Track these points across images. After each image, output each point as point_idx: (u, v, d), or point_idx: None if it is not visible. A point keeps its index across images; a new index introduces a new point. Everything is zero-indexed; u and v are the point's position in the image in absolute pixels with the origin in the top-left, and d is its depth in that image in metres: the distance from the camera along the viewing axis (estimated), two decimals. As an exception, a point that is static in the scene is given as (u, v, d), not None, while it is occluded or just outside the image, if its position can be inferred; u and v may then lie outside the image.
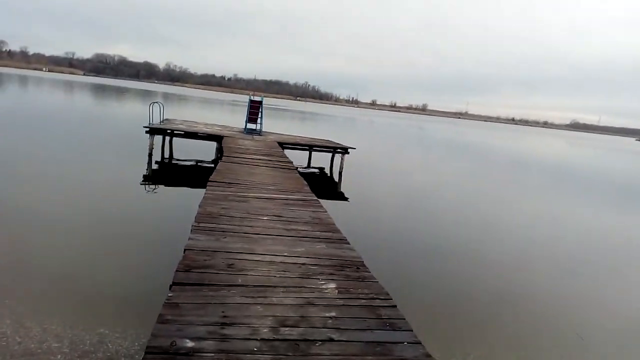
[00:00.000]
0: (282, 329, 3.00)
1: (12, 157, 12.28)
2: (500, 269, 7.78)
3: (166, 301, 3.23)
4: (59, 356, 3.90)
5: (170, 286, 3.48)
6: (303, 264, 4.18)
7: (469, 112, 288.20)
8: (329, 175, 15.19)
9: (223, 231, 4.79)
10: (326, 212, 6.14)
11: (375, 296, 3.63)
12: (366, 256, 4.74)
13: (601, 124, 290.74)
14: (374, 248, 7.48)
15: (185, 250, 4.17)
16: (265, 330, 2.96)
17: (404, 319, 3.30)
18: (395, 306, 3.48)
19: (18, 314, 4.45)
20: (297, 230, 5.11)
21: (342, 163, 14.75)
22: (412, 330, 3.16)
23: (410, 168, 21.39)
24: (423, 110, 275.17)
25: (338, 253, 4.57)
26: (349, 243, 4.94)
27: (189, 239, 4.46)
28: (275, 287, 3.62)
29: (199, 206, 5.57)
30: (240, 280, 3.67)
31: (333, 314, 3.27)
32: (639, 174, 35.05)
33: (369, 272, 4.18)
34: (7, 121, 19.69)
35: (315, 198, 6.93)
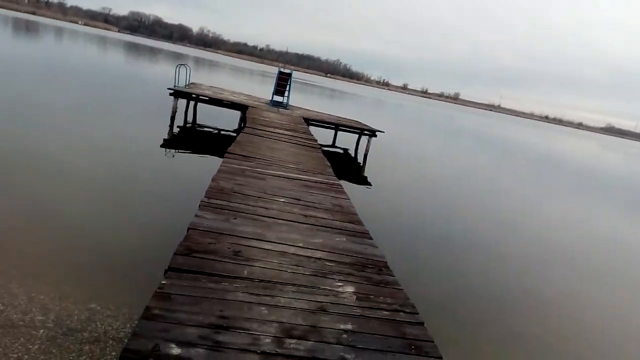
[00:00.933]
0: (288, 340, 2.52)
1: (36, 106, 12.21)
2: (526, 273, 7.17)
3: (157, 290, 2.78)
4: (42, 331, 3.52)
5: (165, 271, 3.04)
6: (319, 258, 3.68)
7: (502, 106, 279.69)
8: (353, 156, 14.61)
9: (234, 211, 4.32)
10: (348, 199, 5.61)
11: (399, 308, 3.12)
12: (389, 255, 4.23)
13: (638, 131, 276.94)
14: (397, 245, 6.95)
15: (188, 229, 3.71)
16: (268, 340, 2.49)
17: (432, 341, 2.79)
18: (422, 323, 2.97)
19: (8, 277, 4.10)
20: (315, 218, 4.61)
21: (368, 146, 14.12)
22: (441, 358, 2.65)
23: (438, 158, 20.58)
24: (455, 99, 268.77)
25: (359, 249, 4.06)
26: (371, 238, 4.42)
27: (195, 215, 4.01)
28: (284, 284, 3.14)
29: (212, 180, 5.10)
30: (245, 273, 3.20)
31: (349, 326, 2.78)
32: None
33: (393, 275, 3.66)
34: (37, 72, 19.58)
35: (338, 182, 6.41)
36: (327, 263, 3.63)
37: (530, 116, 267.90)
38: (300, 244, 3.88)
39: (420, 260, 6.73)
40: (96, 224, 5.63)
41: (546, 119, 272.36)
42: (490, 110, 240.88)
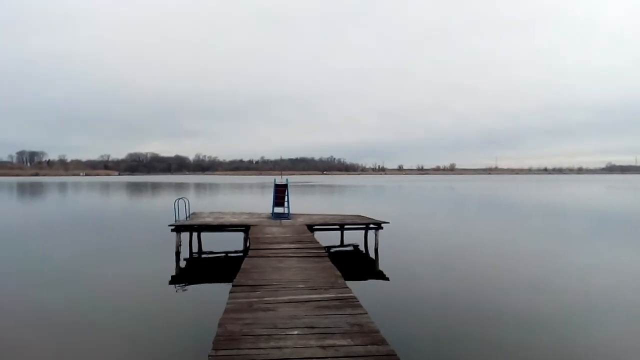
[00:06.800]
0: None
1: (42, 261, 12.80)
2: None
3: None
4: None
5: None
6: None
7: (499, 167, 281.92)
8: (364, 252, 14.24)
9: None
10: (366, 313, 5.23)
11: None
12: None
13: (639, 164, 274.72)
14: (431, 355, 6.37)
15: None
16: None
17: None
18: None
19: None
20: (334, 348, 4.21)
21: (376, 239, 13.84)
22: None
23: (449, 232, 20.06)
24: (451, 170, 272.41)
25: (388, 378, 3.64)
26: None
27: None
28: None
29: (218, 325, 4.79)
30: None
31: None
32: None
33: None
34: (40, 229, 19.91)
35: (352, 294, 6.05)
36: (356, 406, 3.21)
37: (529, 172, 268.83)
38: (323, 387, 3.48)
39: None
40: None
41: (545, 171, 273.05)
42: (489, 173, 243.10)
